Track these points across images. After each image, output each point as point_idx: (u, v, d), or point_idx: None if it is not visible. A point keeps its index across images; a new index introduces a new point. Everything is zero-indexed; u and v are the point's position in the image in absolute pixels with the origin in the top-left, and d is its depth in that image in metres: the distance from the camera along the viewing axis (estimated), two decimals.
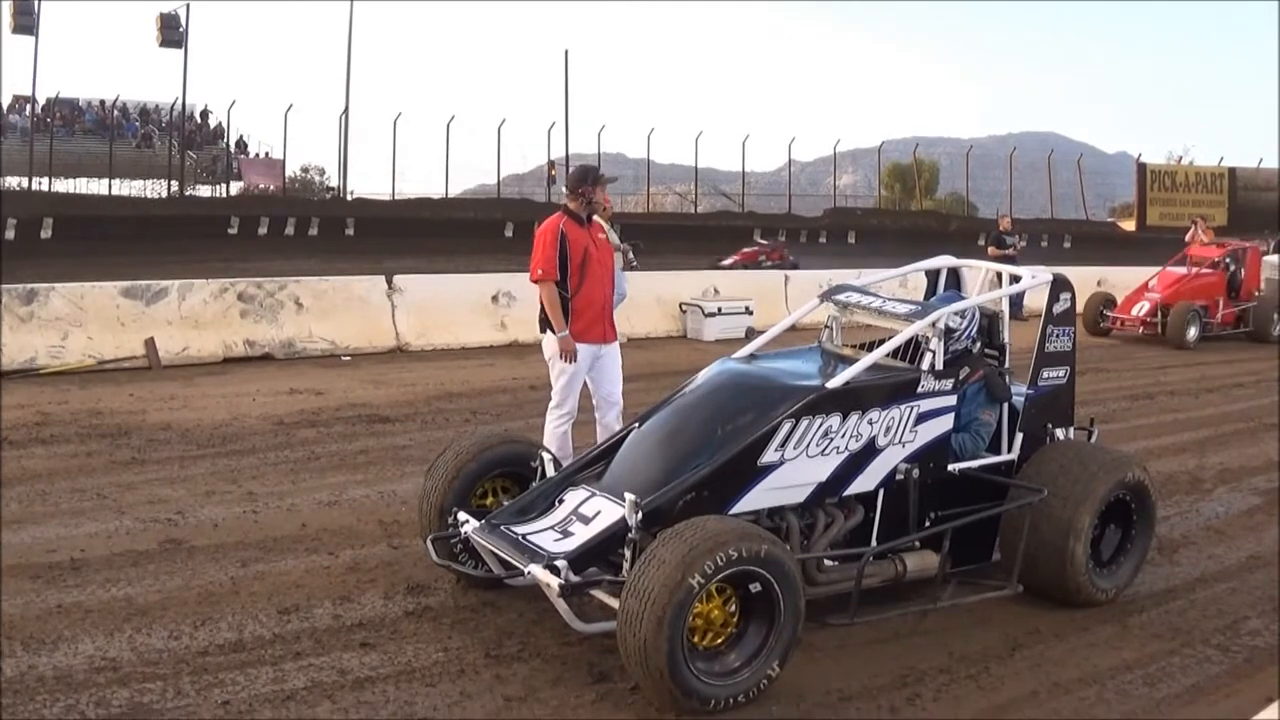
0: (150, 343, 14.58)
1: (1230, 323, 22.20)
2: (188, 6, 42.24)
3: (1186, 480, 10.26)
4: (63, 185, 39.02)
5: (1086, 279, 23.67)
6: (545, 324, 8.87)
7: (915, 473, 6.61)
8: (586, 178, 8.97)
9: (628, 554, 5.81)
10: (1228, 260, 22.57)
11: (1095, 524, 6.84)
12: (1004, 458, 7.11)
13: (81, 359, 14.15)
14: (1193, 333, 20.72)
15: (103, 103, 44.96)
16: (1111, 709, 5.70)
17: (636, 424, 6.89)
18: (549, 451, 7.04)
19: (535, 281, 8.77)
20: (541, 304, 8.82)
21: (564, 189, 9.14)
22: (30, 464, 9.58)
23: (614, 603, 5.52)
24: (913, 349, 6.82)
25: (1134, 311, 21.57)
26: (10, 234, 29.51)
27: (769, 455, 6.15)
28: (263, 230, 32.60)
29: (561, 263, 8.68)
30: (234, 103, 46.41)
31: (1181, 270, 22.60)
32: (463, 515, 6.50)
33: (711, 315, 19.53)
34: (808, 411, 6.24)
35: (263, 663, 5.86)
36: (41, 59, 37.61)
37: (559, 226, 8.75)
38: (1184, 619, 6.92)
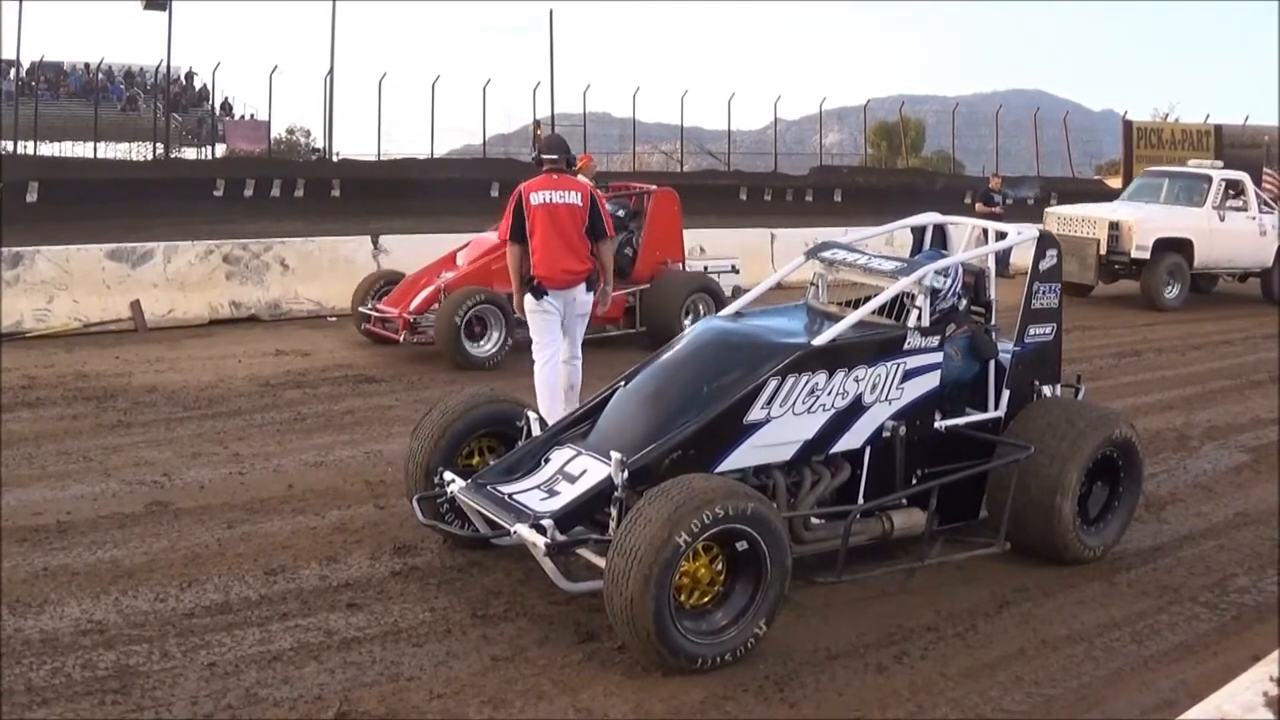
0: (136, 305, 14.54)
1: (616, 317, 13.83)
2: None
3: (1174, 437, 10.28)
4: (48, 149, 38.75)
5: None
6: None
7: (902, 430, 6.61)
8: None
9: (614, 512, 5.82)
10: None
11: (1083, 481, 6.85)
12: (991, 415, 7.11)
13: (67, 322, 14.11)
14: (490, 342, 12.61)
15: (87, 66, 44.60)
16: (1099, 667, 5.72)
17: (622, 382, 6.88)
18: (535, 411, 7.01)
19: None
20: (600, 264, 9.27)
21: (547, 154, 9.27)
22: (16, 427, 9.54)
23: (600, 562, 5.52)
24: (898, 306, 6.80)
25: (413, 306, 13.18)
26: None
27: (755, 413, 6.15)
28: (248, 192, 32.33)
29: None
30: (219, 65, 46.06)
31: None
32: (449, 475, 6.48)
33: None
34: (794, 369, 6.24)
35: (249, 624, 5.87)
36: (25, 23, 37.29)
37: None
38: (1172, 576, 6.93)
